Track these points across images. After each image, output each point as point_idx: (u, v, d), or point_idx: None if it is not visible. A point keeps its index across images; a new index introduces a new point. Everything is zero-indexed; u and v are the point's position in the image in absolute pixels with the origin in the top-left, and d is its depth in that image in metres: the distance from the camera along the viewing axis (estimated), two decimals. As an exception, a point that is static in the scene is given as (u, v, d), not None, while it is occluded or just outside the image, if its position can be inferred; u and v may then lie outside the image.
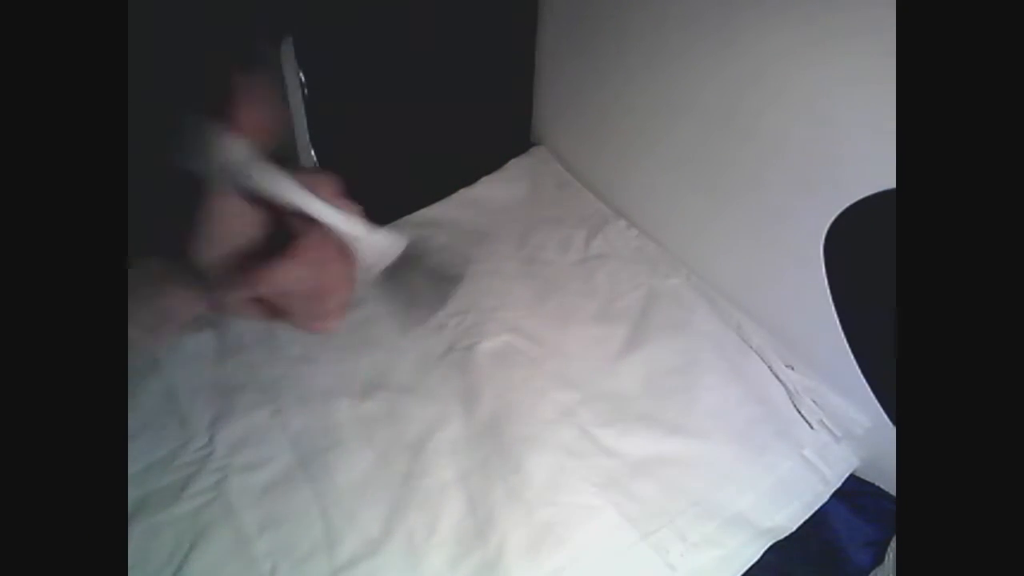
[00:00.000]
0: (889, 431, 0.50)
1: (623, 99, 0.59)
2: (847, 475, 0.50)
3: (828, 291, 0.51)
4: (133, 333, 0.29)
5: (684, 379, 0.51)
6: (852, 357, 0.51)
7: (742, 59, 0.48)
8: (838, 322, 0.51)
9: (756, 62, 0.47)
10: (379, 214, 0.67)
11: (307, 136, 0.64)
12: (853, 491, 0.50)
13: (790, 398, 0.51)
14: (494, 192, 0.66)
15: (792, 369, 0.53)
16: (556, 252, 0.61)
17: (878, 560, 0.48)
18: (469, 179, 0.67)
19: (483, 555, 0.43)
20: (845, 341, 0.51)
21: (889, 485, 0.51)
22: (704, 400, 0.50)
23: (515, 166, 0.69)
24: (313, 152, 0.65)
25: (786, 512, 0.47)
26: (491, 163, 0.69)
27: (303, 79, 0.61)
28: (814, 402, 0.51)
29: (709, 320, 0.55)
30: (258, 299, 0.27)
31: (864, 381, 0.51)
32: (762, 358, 0.53)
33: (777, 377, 0.52)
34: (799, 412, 0.51)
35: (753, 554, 0.45)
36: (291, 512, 0.44)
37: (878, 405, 0.50)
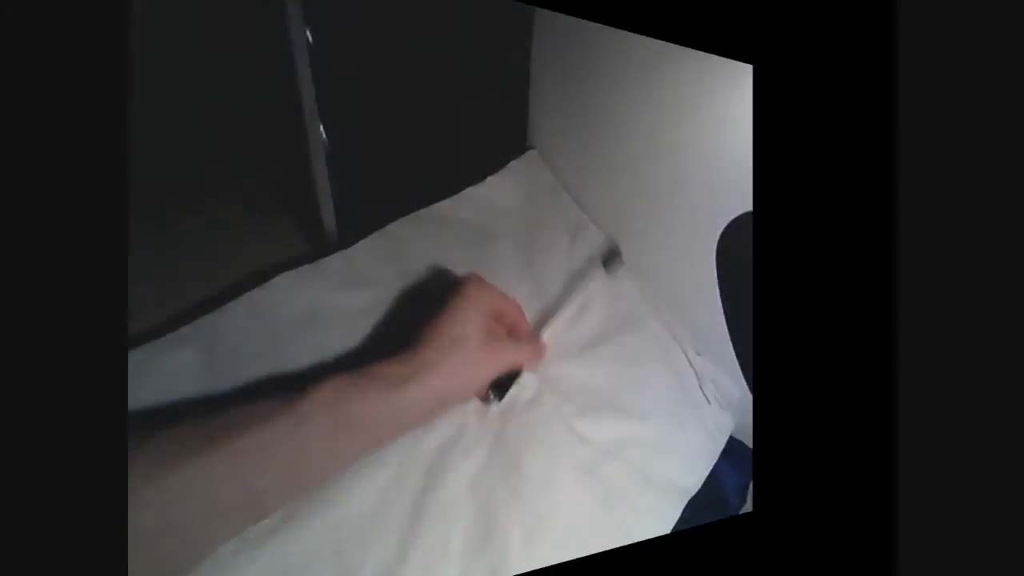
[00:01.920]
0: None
1: (601, 107, 0.61)
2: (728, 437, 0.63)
3: (718, 290, 0.62)
4: None
5: (638, 370, 0.57)
6: (731, 343, 0.63)
7: (664, 88, 0.54)
8: (724, 315, 0.63)
9: (672, 91, 0.54)
10: (381, 211, 0.59)
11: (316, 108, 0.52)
12: (730, 449, 0.63)
13: (698, 381, 0.62)
14: (496, 193, 0.65)
15: (699, 355, 0.63)
16: (544, 256, 0.62)
17: (744, 501, 0.63)
18: (469, 179, 0.65)
19: (488, 559, 0.43)
20: (727, 330, 0.63)
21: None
22: (650, 387, 0.57)
23: (514, 168, 0.67)
24: (323, 130, 0.53)
25: (696, 475, 0.58)
26: (491, 164, 0.68)
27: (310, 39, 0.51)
28: (712, 383, 0.62)
29: (652, 317, 0.62)
30: None
31: (737, 361, 0.64)
32: (682, 349, 0.62)
33: (691, 364, 0.62)
34: (703, 392, 0.61)
35: (678, 512, 0.55)
36: (299, 557, 0.37)
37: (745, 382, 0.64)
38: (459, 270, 0.57)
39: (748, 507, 0.63)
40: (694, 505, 0.57)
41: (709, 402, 0.62)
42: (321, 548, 0.38)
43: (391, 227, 0.57)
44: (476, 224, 0.61)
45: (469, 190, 0.64)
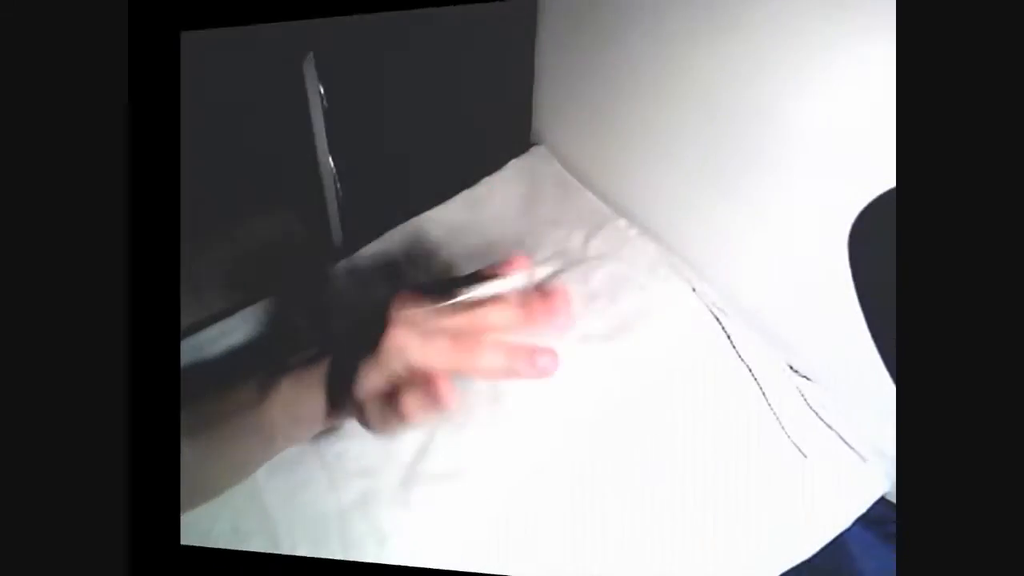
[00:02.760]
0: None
1: (624, 91, 0.55)
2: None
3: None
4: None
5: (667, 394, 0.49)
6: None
7: (753, 38, 0.45)
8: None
9: (767, 39, 0.44)
10: (381, 216, 0.65)
11: (327, 145, 0.63)
12: (876, 518, 0.45)
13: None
14: (495, 193, 0.64)
15: (808, 381, 0.48)
16: (554, 254, 0.58)
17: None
18: (469, 180, 0.66)
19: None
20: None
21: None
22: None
23: (514, 167, 0.66)
24: (332, 161, 0.64)
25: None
26: (491, 164, 0.67)
27: (323, 92, 0.60)
28: (832, 422, 0.47)
29: (702, 330, 0.52)
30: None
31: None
32: (755, 379, 0.49)
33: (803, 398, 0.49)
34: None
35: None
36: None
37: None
38: (459, 271, 0.53)
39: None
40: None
41: (805, 456, 0.47)
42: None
43: (387, 235, 0.59)
44: (472, 227, 0.59)
45: (464, 193, 0.62)
